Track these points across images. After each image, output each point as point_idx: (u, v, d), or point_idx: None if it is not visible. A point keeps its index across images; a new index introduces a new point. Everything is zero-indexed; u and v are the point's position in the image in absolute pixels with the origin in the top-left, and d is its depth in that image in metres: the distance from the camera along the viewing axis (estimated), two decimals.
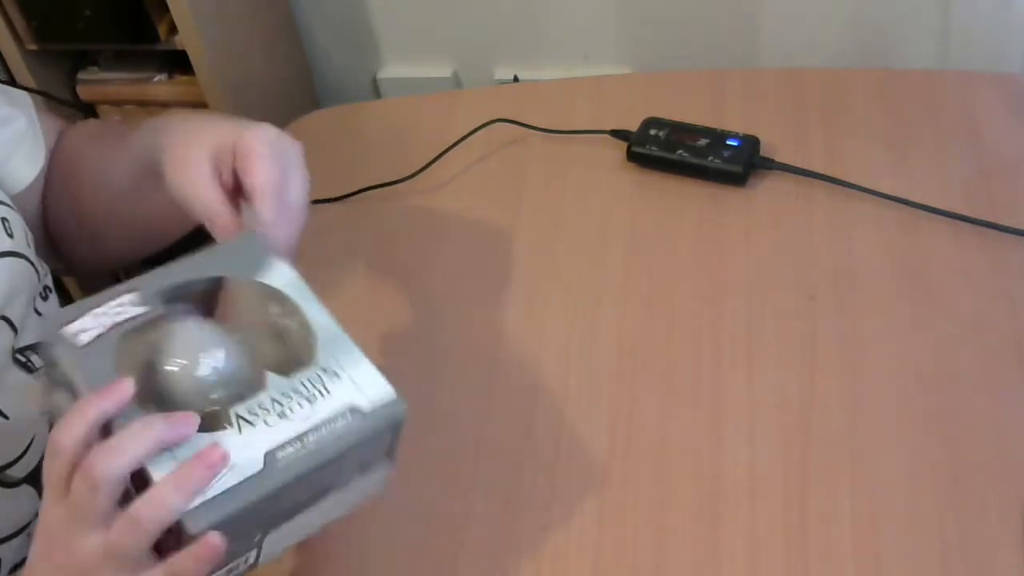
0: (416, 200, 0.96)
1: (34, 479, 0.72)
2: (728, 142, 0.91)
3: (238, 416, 0.54)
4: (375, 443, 0.57)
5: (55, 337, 0.56)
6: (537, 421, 0.77)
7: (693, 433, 0.74)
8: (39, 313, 0.75)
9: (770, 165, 0.91)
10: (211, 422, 0.55)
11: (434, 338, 0.84)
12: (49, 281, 0.78)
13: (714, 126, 0.93)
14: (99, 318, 0.57)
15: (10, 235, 0.71)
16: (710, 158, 0.91)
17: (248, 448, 0.53)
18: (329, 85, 1.60)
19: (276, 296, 0.60)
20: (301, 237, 0.63)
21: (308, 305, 0.60)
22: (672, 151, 0.92)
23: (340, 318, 0.59)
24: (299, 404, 0.55)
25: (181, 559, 0.51)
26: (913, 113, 0.94)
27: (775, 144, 0.92)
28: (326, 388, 0.56)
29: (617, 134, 0.96)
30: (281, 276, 0.61)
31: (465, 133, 0.98)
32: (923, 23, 1.29)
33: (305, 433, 0.54)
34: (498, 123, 0.99)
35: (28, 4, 1.26)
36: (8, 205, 0.73)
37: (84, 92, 1.41)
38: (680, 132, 0.93)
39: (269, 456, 0.53)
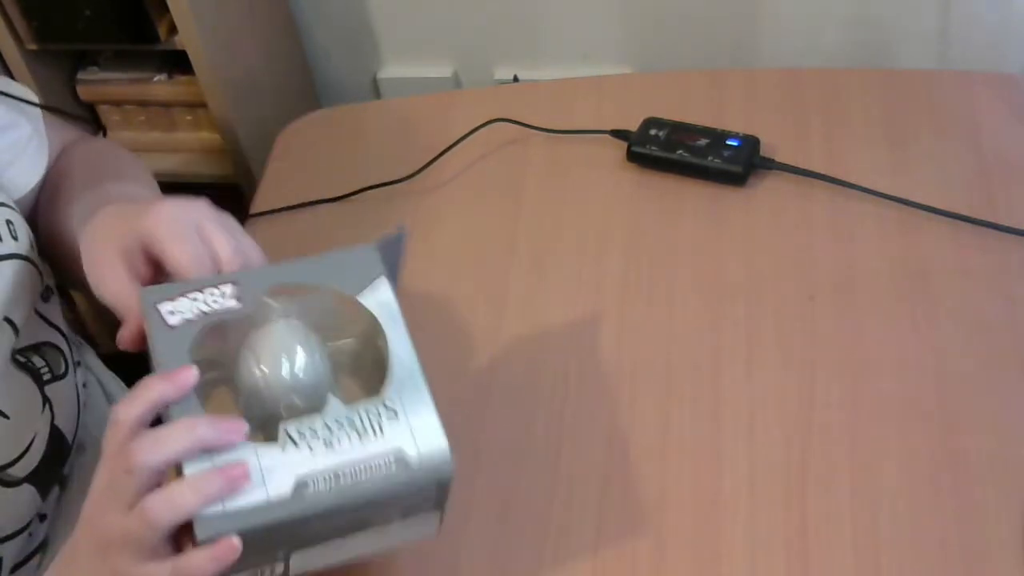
0: (416, 200, 0.96)
1: (35, 478, 0.72)
2: (728, 142, 0.91)
3: (287, 433, 0.54)
4: (416, 496, 0.56)
5: (151, 312, 0.57)
6: (537, 421, 0.77)
7: (693, 433, 0.74)
8: (39, 313, 0.75)
9: (770, 165, 0.91)
10: (265, 428, 0.55)
11: (434, 338, 0.84)
12: (51, 281, 0.78)
13: (714, 126, 0.93)
14: (195, 303, 0.57)
15: (15, 237, 0.71)
16: (710, 158, 0.91)
17: (284, 469, 0.53)
18: (329, 85, 1.60)
19: (368, 318, 0.60)
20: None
21: (395, 334, 0.59)
22: (672, 151, 0.92)
23: None
24: (348, 436, 0.55)
25: (196, 556, 0.52)
26: (913, 113, 0.94)
27: (775, 144, 0.92)
28: (380, 427, 0.55)
29: (617, 134, 0.96)
30: (378, 297, 0.60)
31: (465, 133, 0.98)
32: (923, 23, 1.29)
33: (343, 469, 0.54)
34: (498, 123, 0.99)
35: (28, 4, 1.26)
36: (12, 208, 0.73)
37: (84, 92, 1.41)
38: (680, 132, 0.93)
39: (300, 484, 0.53)
